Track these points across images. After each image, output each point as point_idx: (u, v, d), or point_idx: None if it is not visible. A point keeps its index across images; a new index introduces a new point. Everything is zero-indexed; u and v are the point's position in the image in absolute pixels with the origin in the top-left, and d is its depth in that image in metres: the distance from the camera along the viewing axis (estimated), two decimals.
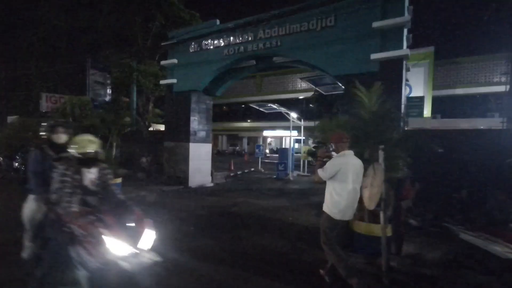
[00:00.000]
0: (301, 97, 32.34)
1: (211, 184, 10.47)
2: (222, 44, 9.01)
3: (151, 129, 13.69)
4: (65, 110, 8.18)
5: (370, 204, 3.54)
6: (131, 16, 13.14)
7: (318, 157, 3.35)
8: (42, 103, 13.17)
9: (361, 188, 3.73)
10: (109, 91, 15.11)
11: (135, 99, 12.53)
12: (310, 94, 28.99)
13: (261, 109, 15.17)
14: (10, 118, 13.79)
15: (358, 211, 4.25)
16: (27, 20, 15.61)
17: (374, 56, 6.39)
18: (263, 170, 15.76)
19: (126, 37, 13.89)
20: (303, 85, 32.65)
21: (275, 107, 13.88)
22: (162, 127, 16.06)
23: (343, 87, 10.06)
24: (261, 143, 38.67)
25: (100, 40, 14.37)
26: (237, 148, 36.24)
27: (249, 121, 39.31)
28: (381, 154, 3.56)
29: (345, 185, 3.04)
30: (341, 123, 4.44)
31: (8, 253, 3.81)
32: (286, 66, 11.90)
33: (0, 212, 5.98)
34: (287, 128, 35.86)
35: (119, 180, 8.44)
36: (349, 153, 3.19)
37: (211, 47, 9.24)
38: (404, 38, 6.43)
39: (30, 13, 15.74)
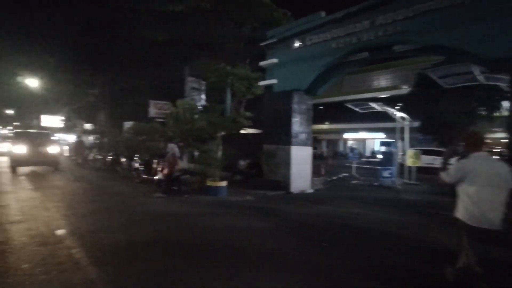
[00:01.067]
0: (382, 96, 29.18)
1: (311, 190, 9.73)
2: (330, 37, 8.19)
3: (243, 131, 13.80)
4: (178, 114, 8.62)
5: None
6: (224, 22, 13.51)
7: (443, 159, 3.21)
8: (150, 109, 14.68)
9: None
10: (203, 96, 15.99)
11: (229, 102, 12.77)
12: (394, 92, 25.85)
13: (356, 109, 13.82)
14: (127, 124, 15.81)
15: None
16: (133, 36, 17.68)
17: None
18: (358, 176, 14.26)
19: (219, 44, 14.39)
20: (386, 82, 29.39)
21: (375, 106, 12.38)
22: (248, 130, 16.12)
23: (479, 75, 8.12)
24: (342, 145, 36.45)
25: (195, 48, 15.27)
26: (318, 151, 34.76)
27: (327, 123, 37.44)
28: None
29: (478, 188, 2.74)
30: None
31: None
32: (405, 56, 10.35)
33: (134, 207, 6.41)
34: (372, 129, 32.89)
35: (224, 183, 8.46)
36: (482, 155, 2.85)
37: (317, 41, 8.53)
38: None
39: (134, 30, 17.77)
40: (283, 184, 9.15)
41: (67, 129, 25.86)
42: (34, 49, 19.16)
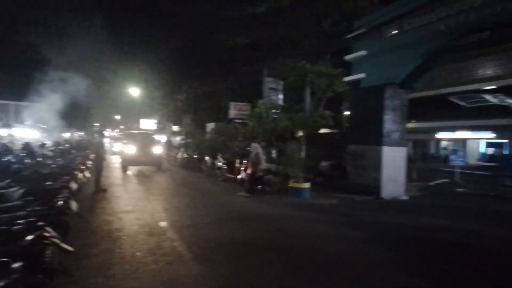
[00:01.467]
0: (487, 88, 23.87)
1: (406, 197, 8.48)
2: (437, 17, 6.93)
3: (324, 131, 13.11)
4: (260, 114, 8.64)
5: None
6: (304, 17, 13.08)
7: None
8: (230, 111, 15.38)
9: None
10: (280, 96, 15.90)
11: (309, 101, 12.26)
12: (506, 82, 20.86)
13: (462, 103, 11.65)
14: (209, 125, 16.96)
15: None
16: (216, 42, 18.78)
17: None
18: (463, 183, 11.94)
19: (298, 41, 14.05)
20: (495, 71, 24.03)
21: (490, 98, 10.15)
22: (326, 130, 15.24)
23: None
24: (433, 146, 31.77)
25: (274, 48, 15.26)
26: None
27: (413, 121, 33.05)
28: None
29: None
30: None
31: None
32: None
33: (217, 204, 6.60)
34: (476, 128, 27.65)
35: (307, 184, 8.05)
36: None
37: (418, 25, 7.34)
38: None
39: (217, 35, 18.83)
40: (372, 188, 8.21)
41: (159, 130, 29.47)
42: (136, 63, 22.49)
